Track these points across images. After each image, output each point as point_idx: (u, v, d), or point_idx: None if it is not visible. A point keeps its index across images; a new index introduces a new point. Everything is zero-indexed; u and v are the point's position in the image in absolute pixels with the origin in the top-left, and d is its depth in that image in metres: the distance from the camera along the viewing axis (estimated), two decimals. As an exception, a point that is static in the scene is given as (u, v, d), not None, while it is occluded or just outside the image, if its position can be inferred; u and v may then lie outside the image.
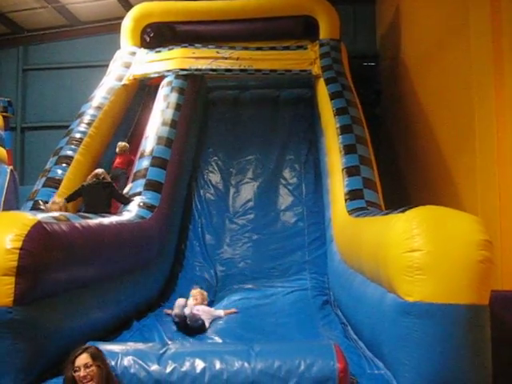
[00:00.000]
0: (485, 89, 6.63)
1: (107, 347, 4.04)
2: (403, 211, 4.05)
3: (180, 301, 6.25)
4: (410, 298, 3.66)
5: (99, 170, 7.78)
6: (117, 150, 9.59)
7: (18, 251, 3.78)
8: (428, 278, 3.60)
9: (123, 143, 9.68)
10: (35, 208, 7.56)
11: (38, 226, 4.03)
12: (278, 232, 9.22)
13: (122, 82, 10.63)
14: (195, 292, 6.68)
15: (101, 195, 7.46)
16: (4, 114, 12.58)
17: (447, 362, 3.56)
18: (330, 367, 3.61)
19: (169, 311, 6.48)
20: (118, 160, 9.56)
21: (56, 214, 4.99)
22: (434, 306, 3.57)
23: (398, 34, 11.78)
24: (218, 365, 3.66)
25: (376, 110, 12.77)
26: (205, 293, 6.78)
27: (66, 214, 5.33)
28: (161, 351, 3.83)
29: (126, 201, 7.79)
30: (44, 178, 8.26)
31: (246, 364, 3.65)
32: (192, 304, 6.27)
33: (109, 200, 7.67)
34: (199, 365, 3.67)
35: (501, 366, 3.80)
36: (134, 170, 8.54)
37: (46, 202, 7.72)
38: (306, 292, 7.64)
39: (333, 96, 9.72)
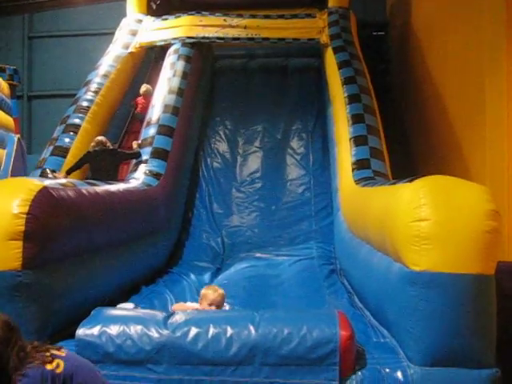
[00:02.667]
0: (496, 59, 6.56)
1: (114, 312, 4.11)
2: (411, 181, 4.01)
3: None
4: (416, 268, 3.64)
5: (102, 138, 7.76)
6: (141, 90, 10.09)
7: (24, 216, 3.79)
8: (435, 248, 3.58)
9: (148, 85, 10.14)
10: (43, 176, 7.59)
11: (45, 192, 4.03)
12: (284, 201, 9.21)
13: (129, 50, 10.57)
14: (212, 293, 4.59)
15: (108, 162, 7.49)
16: (10, 82, 12.54)
17: (452, 331, 3.56)
18: (331, 331, 3.66)
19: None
20: (142, 102, 10.06)
21: (63, 180, 5.01)
22: (440, 276, 3.55)
23: (407, 2, 11.59)
24: (222, 324, 3.76)
25: (385, 80, 12.64)
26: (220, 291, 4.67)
27: (73, 180, 5.34)
28: (166, 314, 3.91)
29: (137, 155, 7.96)
30: (52, 147, 8.30)
31: (249, 325, 3.74)
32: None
33: (116, 167, 7.70)
34: (204, 323, 3.76)
35: (505, 335, 3.81)
36: (141, 138, 8.52)
37: (54, 171, 7.77)
38: (312, 261, 7.66)
39: (341, 65, 9.63)
